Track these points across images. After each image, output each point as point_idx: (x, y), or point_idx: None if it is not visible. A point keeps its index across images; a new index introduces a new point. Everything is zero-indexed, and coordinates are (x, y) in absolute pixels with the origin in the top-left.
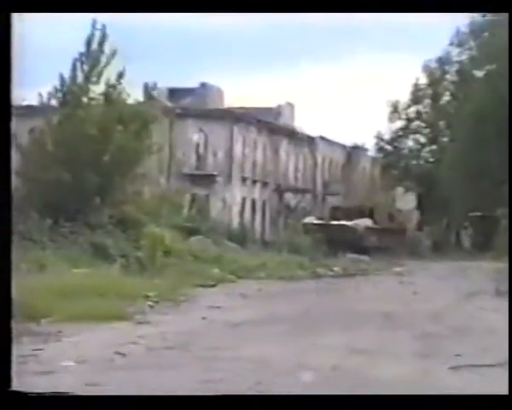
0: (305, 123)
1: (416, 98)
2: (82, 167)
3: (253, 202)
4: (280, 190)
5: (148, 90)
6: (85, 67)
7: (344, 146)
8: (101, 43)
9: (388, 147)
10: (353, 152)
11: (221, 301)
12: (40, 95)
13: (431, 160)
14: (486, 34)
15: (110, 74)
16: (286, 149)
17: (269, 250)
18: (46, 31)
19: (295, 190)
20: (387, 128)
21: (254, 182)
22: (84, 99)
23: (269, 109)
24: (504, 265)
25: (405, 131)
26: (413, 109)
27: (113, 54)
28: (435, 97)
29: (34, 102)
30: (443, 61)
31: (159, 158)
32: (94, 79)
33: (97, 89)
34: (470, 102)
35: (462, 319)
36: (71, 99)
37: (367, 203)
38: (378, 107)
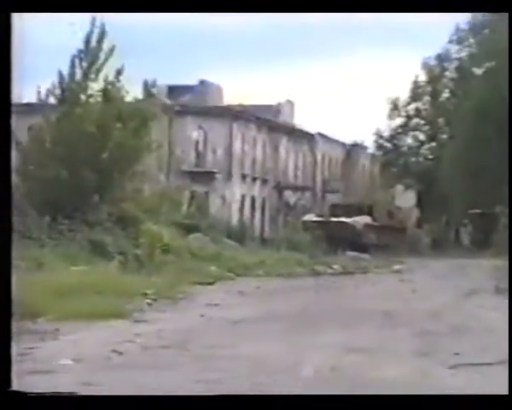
0: (304, 121)
1: (415, 95)
2: (80, 165)
3: (253, 200)
4: (279, 188)
5: (147, 87)
6: (84, 64)
7: (343, 144)
8: (99, 41)
9: (388, 144)
10: (353, 150)
11: (219, 299)
12: (39, 92)
13: (430, 157)
14: (486, 31)
15: (109, 71)
16: (285, 146)
17: (268, 248)
18: (45, 28)
19: (295, 188)
20: (387, 125)
21: (254, 179)
22: (83, 96)
23: (268, 107)
24: (504, 262)
25: (405, 128)
26: (412, 107)
27: (112, 51)
28: (435, 95)
29: (33, 99)
30: (442, 59)
31: (158, 155)
32: (92, 76)
33: (96, 86)
34: (470, 99)
35: (462, 318)
36: (69, 96)
37: (366, 201)
38: (377, 104)
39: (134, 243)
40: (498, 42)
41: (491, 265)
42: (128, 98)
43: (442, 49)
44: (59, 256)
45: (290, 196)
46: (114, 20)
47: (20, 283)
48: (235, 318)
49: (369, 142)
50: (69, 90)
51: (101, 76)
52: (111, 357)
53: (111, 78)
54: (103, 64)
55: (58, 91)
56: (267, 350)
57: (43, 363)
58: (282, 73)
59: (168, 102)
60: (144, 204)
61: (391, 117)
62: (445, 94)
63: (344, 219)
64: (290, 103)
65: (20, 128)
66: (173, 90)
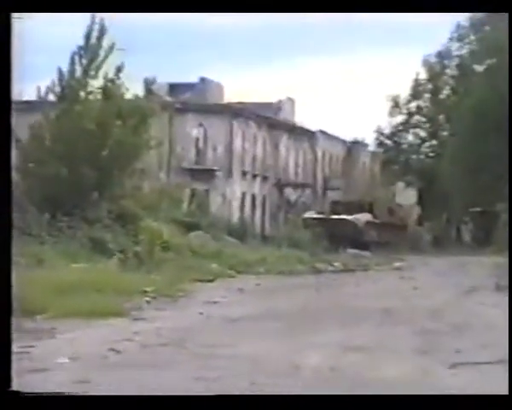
0: (305, 118)
1: (416, 93)
2: (80, 162)
3: (253, 197)
4: (280, 185)
5: (148, 85)
6: (84, 61)
7: (344, 141)
8: (99, 37)
9: (388, 142)
10: (353, 147)
11: (219, 297)
12: (38, 89)
13: (431, 154)
14: (487, 28)
15: (109, 69)
16: (286, 143)
17: (269, 245)
18: (45, 26)
19: (295, 185)
20: (387, 123)
21: (254, 177)
22: (82, 93)
23: (269, 104)
24: (504, 260)
25: (405, 125)
26: (413, 104)
27: (112, 48)
28: (435, 92)
29: (33, 97)
30: (443, 56)
31: (158, 153)
32: (92, 73)
33: (95, 83)
34: (470, 96)
35: (462, 315)
36: (69, 93)
37: (367, 198)
38: (378, 102)
39: (134, 241)
40: (499, 39)
41: (491, 262)
42: (128, 96)
43: (443, 46)
44: (59, 253)
45: (291, 194)
46: (114, 19)
47: (20, 280)
48: (234, 316)
49: (370, 139)
50: (69, 88)
51: (101, 73)
52: (108, 356)
53: (111, 75)
54: (103, 61)
55: (58, 89)
56: (266, 349)
57: (39, 362)
58: (282, 70)
59: (169, 99)
60: (144, 201)
61: (392, 114)
62: (446, 91)
63: (345, 216)
64: (291, 101)
65: (20, 126)
66: (174, 88)
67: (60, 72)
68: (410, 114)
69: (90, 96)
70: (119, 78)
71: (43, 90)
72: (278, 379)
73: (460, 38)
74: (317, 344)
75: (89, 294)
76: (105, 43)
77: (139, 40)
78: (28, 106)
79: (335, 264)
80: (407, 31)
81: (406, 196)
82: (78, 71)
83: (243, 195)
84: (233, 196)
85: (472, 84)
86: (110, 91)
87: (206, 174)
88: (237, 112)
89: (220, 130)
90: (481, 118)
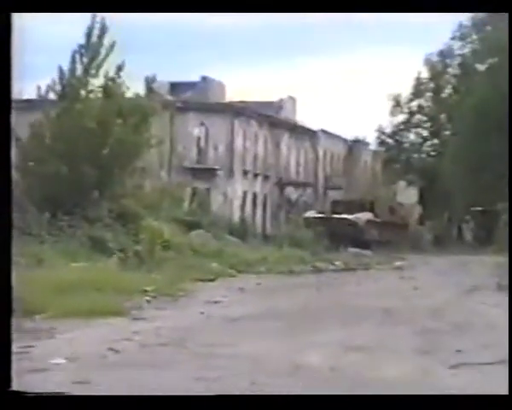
0: (306, 117)
1: (417, 92)
2: (80, 161)
3: (254, 196)
4: (281, 184)
5: (149, 83)
6: (84, 60)
7: (345, 140)
8: (100, 36)
9: (390, 141)
10: (355, 146)
11: (220, 296)
12: (39, 88)
13: (433, 153)
14: (489, 27)
15: (109, 67)
16: (287, 142)
17: (270, 244)
18: (46, 25)
19: (296, 184)
20: (389, 122)
21: (255, 176)
22: (83, 92)
23: (270, 103)
24: (506, 259)
25: (407, 124)
26: (415, 103)
27: (113, 46)
28: (437, 91)
29: (33, 95)
30: (445, 55)
31: (159, 152)
32: (93, 71)
33: (96, 82)
34: (472, 95)
35: (463, 315)
36: (69, 92)
37: (368, 197)
38: (379, 101)
39: (134, 240)
40: (501, 38)
41: (492, 261)
42: (129, 94)
43: (444, 45)
44: (59, 253)
45: (292, 193)
46: (116, 18)
47: (20, 279)
48: (235, 315)
49: (372, 138)
50: (69, 86)
51: (102, 72)
52: (107, 355)
53: (111, 74)
54: (104, 60)
55: (58, 87)
56: (266, 348)
57: (38, 362)
58: (283, 69)
59: (170, 98)
60: (145, 200)
61: (393, 113)
62: (448, 90)
63: (346, 215)
64: (292, 100)
65: (20, 124)
66: (175, 87)
67: (60, 70)
68: (412, 113)
69: (91, 95)
70: (119, 76)
71: (43, 88)
72: (279, 379)
73: (462, 37)
74: (317, 344)
75: (88, 293)
76: (106, 41)
77: (140, 40)
78: (28, 104)
79: (336, 263)
80: (408, 30)
81: (407, 194)
82: (79, 69)
83: (244, 194)
84: (234, 195)
85: (474, 84)
86: (111, 90)
87: (208, 173)
88: (238, 111)
89: (221, 129)
90: (483, 117)
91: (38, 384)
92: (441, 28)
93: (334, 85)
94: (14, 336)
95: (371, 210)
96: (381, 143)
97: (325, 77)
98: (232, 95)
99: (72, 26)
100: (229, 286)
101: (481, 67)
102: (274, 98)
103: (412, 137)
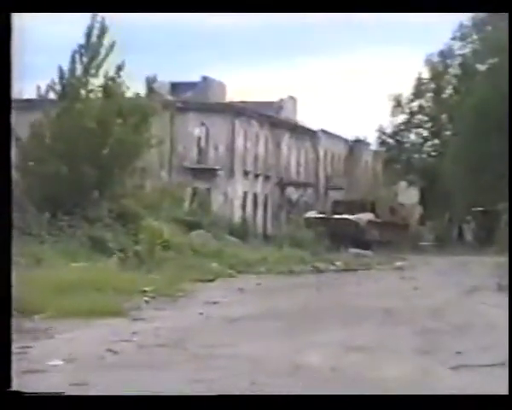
0: (307, 117)
1: (418, 92)
2: (80, 161)
3: (255, 196)
4: (282, 184)
5: (149, 83)
6: (84, 59)
7: (346, 140)
8: (100, 36)
9: (391, 141)
10: (355, 146)
11: (219, 297)
12: (39, 88)
13: (433, 154)
14: (489, 28)
15: (109, 67)
16: (288, 142)
17: (270, 245)
18: (46, 24)
19: (297, 184)
20: (390, 122)
21: (256, 176)
22: (83, 92)
23: (270, 103)
24: (506, 259)
25: (408, 124)
26: (416, 103)
27: (112, 46)
28: (438, 91)
29: (33, 95)
30: (445, 55)
31: (160, 152)
32: (93, 71)
33: (96, 81)
34: (473, 95)
35: (464, 315)
36: (69, 92)
37: (369, 197)
38: (380, 101)
39: (134, 240)
40: (501, 38)
41: (493, 262)
42: (129, 94)
43: (445, 45)
44: (58, 253)
45: (292, 193)
46: (116, 18)
47: (19, 279)
48: (234, 316)
49: (372, 138)
50: (69, 86)
51: (102, 72)
52: (105, 356)
53: (111, 73)
54: (104, 60)
55: (58, 87)
56: (266, 349)
57: (35, 363)
58: (283, 70)
59: (170, 98)
60: (146, 200)
61: (394, 113)
62: (449, 90)
63: (346, 215)
64: (292, 100)
65: (20, 124)
66: (176, 87)
67: (60, 70)
68: (413, 114)
69: (91, 95)
70: (119, 76)
71: (43, 88)
72: (279, 379)
73: (463, 38)
74: (317, 344)
75: (88, 293)
76: (106, 41)
77: (140, 40)
78: (28, 104)
79: (337, 263)
80: (408, 30)
81: (408, 195)
82: (79, 69)
83: (245, 194)
84: (235, 196)
85: (474, 84)
86: (111, 90)
87: (208, 173)
88: (239, 111)
89: (222, 129)
90: (483, 117)
91: (34, 386)
92: (441, 28)
93: (334, 85)
94: (13, 336)
95: (372, 210)
96: (382, 143)
97: (326, 77)
98: (233, 95)
99: (72, 26)
100: (228, 286)
101: (482, 68)
102: (274, 98)
103: (413, 137)
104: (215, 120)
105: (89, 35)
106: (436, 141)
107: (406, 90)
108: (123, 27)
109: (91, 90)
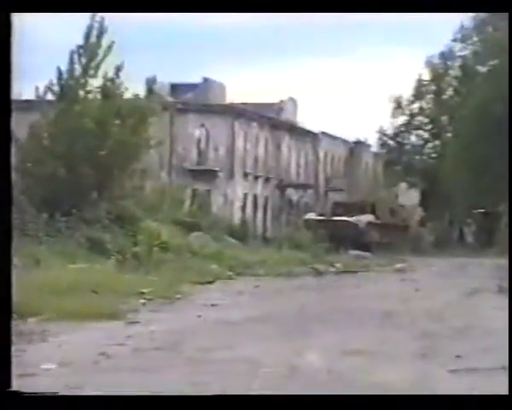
0: (307, 118)
1: (419, 94)
2: (79, 162)
3: (255, 198)
4: (282, 186)
5: (149, 84)
6: (83, 60)
7: (346, 141)
8: (99, 36)
9: (391, 142)
10: (356, 147)
11: (218, 299)
12: (37, 89)
13: (434, 155)
14: (490, 29)
15: (108, 68)
16: (288, 144)
17: (270, 246)
18: (44, 25)
19: (297, 186)
20: (390, 124)
21: (256, 177)
22: (82, 93)
23: (271, 105)
24: (507, 261)
25: (408, 126)
26: (416, 105)
27: (111, 46)
28: (438, 93)
29: (32, 96)
30: (446, 57)
31: (160, 153)
32: (91, 72)
33: (95, 82)
34: (473, 97)
35: (464, 317)
36: (68, 93)
37: (369, 199)
38: (380, 102)
39: (133, 241)
40: (502, 40)
41: (494, 264)
42: (128, 95)
43: (446, 47)
44: (56, 254)
45: (292, 195)
46: (115, 18)
47: (16, 281)
48: (232, 319)
49: (373, 140)
50: (68, 87)
51: (101, 72)
52: (99, 360)
53: (110, 74)
54: (102, 60)
55: (57, 88)
56: (264, 352)
57: (28, 367)
58: (284, 71)
59: (170, 99)
60: (145, 202)
61: (394, 115)
62: (449, 92)
63: (346, 217)
64: (293, 101)
65: (18, 125)
66: (176, 88)
67: (59, 71)
68: (413, 115)
69: (90, 96)
70: (118, 77)
71: (41, 89)
72: (276, 383)
73: (463, 39)
74: (315, 347)
75: (85, 295)
76: (104, 42)
77: (140, 40)
78: (27, 105)
79: (337, 265)
80: (408, 31)
81: (409, 196)
82: (78, 70)
83: (245, 195)
84: (234, 197)
85: (475, 85)
86: (109, 91)
87: (208, 175)
88: (239, 112)
89: (222, 130)
90: (484, 119)
91: (26, 390)
92: (442, 30)
93: (335, 87)
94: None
95: (372, 212)
96: (382, 144)
97: (326, 78)
98: (233, 96)
99: (71, 27)
100: (227, 289)
101: (482, 69)
102: (275, 100)
103: (413, 138)
104: (215, 121)
105: (88, 35)
106: (436, 142)
107: (407, 92)
108: (122, 28)
109: (90, 91)
